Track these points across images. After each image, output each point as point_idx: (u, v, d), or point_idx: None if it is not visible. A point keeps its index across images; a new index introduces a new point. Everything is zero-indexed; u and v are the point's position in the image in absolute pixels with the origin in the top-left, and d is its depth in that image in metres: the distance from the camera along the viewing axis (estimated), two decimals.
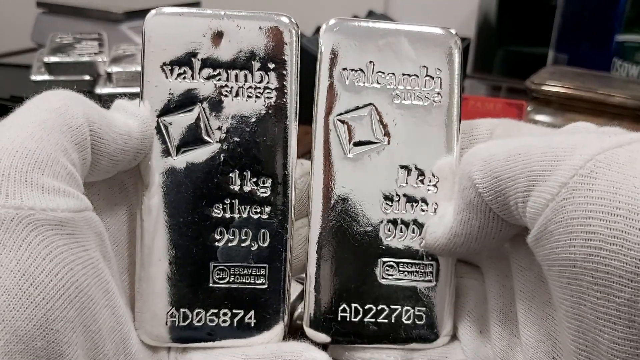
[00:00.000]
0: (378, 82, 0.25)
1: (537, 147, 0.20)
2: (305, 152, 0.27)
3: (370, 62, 0.25)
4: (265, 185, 0.25)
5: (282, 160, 0.25)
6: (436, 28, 0.26)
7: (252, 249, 0.25)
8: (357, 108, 0.25)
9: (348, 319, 0.25)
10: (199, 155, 0.24)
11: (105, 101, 0.50)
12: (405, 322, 0.26)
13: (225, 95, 0.24)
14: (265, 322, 0.25)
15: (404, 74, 0.25)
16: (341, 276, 0.25)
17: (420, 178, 0.25)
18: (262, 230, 0.25)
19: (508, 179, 0.21)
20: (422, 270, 0.26)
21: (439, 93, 0.26)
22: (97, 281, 0.20)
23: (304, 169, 0.26)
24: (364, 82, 0.25)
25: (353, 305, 0.25)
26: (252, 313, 0.25)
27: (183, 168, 0.24)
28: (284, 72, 0.25)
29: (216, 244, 0.25)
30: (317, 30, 0.65)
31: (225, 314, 0.25)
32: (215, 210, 0.25)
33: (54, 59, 0.49)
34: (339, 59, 0.25)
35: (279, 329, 0.25)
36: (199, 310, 0.25)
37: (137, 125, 0.23)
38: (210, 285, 0.25)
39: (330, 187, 0.25)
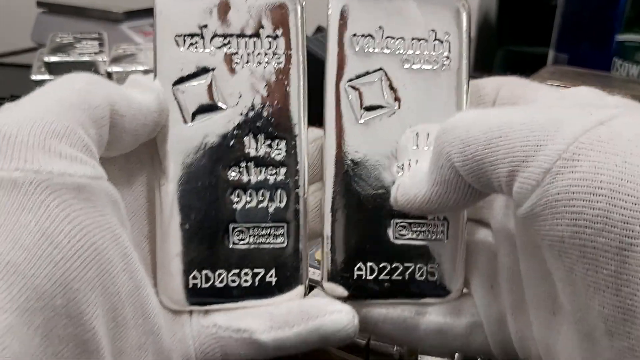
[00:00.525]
0: (387, 47, 0.26)
1: (518, 128, 0.20)
2: None
3: (380, 27, 0.26)
4: (279, 147, 0.25)
5: (293, 122, 0.25)
6: None
7: (269, 209, 0.25)
8: (367, 73, 0.26)
9: (364, 277, 0.26)
10: (213, 121, 0.25)
11: None
12: (419, 278, 0.26)
13: (237, 62, 0.25)
14: (285, 280, 0.26)
15: (413, 39, 0.26)
16: (356, 237, 0.26)
17: (430, 141, 0.26)
18: (279, 191, 0.25)
19: (489, 163, 0.21)
20: (434, 230, 0.26)
21: (447, 57, 0.26)
22: (114, 245, 0.20)
23: (315, 134, 0.27)
24: (373, 48, 0.26)
25: (368, 264, 0.26)
26: (272, 271, 0.25)
27: (198, 134, 0.25)
28: (290, 38, 0.25)
29: (234, 206, 0.25)
30: (317, 29, 0.65)
31: (246, 274, 0.25)
32: (232, 174, 0.25)
33: (54, 58, 0.49)
34: (348, 25, 0.25)
35: (299, 287, 0.26)
36: (220, 271, 0.25)
37: (154, 99, 0.24)
38: (230, 247, 0.25)
39: (342, 152, 0.26)
